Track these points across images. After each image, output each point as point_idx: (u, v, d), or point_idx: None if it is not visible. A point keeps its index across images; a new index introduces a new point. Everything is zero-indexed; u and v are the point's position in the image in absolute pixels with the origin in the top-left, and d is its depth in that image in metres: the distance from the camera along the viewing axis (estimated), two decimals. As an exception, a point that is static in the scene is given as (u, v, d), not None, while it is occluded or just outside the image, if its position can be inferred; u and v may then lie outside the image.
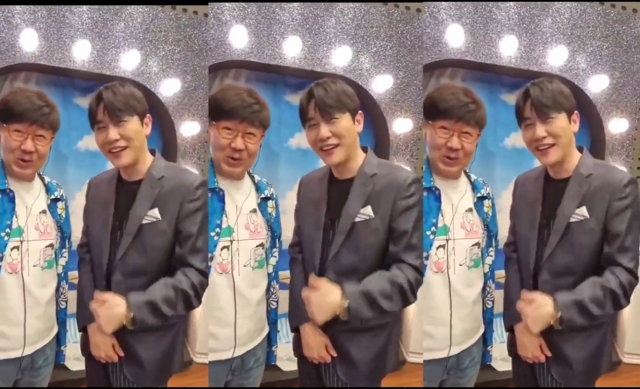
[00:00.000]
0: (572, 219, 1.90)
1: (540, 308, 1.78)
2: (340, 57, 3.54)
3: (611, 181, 1.90)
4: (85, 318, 1.99)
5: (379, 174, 1.93)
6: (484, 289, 2.16)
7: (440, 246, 2.06)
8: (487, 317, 2.18)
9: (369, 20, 3.53)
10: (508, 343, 2.12)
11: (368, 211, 1.90)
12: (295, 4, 3.40)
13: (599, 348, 1.98)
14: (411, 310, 3.41)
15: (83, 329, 2.02)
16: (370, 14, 3.54)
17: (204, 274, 1.95)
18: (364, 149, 2.00)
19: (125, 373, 1.95)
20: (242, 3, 3.43)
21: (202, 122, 3.68)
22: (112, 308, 1.82)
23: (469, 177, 2.16)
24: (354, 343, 1.94)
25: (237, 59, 3.45)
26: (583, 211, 1.89)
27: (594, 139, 3.70)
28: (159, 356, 1.98)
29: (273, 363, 2.33)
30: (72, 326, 2.24)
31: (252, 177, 2.19)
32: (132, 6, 3.49)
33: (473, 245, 2.09)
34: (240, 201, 2.12)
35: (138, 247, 1.94)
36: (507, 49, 3.45)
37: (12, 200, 2.04)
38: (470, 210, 2.11)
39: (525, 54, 3.48)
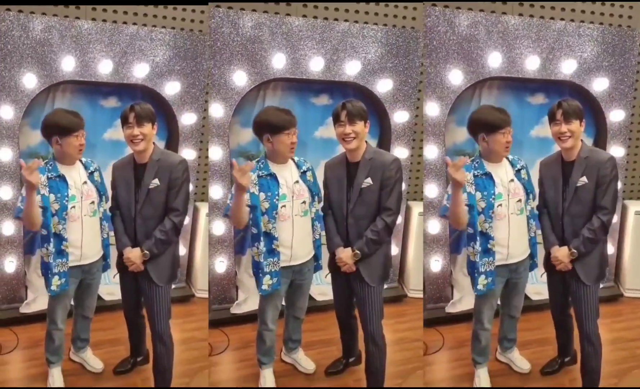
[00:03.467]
0: (578, 184, 3.97)
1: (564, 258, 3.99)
2: (352, 68, 5.61)
3: (599, 159, 3.97)
4: (121, 247, 4.11)
5: (374, 158, 3.97)
6: (527, 224, 4.12)
7: (499, 205, 3.98)
8: (532, 242, 4.17)
9: (374, 39, 5.63)
10: (544, 261, 4.22)
11: (369, 181, 3.95)
12: (317, 35, 5.45)
13: (600, 258, 4.09)
14: (411, 256, 5.99)
15: (120, 254, 4.12)
16: (373, 31, 5.61)
17: (181, 211, 4.06)
18: (366, 142, 4.03)
19: (151, 277, 4.04)
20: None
21: (197, 114, 5.81)
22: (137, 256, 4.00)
23: (507, 158, 4.08)
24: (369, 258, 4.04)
25: (278, 75, 5.46)
26: (584, 179, 3.96)
27: (598, 127, 5.85)
28: (166, 264, 4.10)
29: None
30: (107, 272, 4.44)
31: (293, 160, 4.09)
32: (142, 29, 5.59)
33: (517, 201, 4.04)
34: (287, 177, 4.02)
35: (148, 203, 3.98)
36: (531, 64, 5.52)
37: (65, 180, 3.99)
38: (512, 180, 4.04)
39: (545, 67, 5.56)
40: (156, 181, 3.99)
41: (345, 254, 4.05)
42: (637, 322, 5.57)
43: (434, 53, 5.32)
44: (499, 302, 4.36)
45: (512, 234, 4.07)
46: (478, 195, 3.98)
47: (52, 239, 3.96)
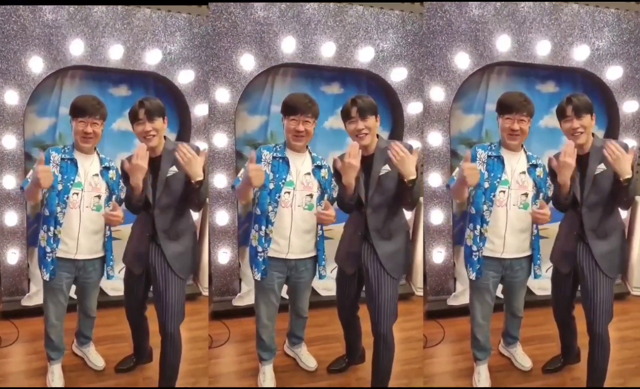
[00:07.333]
0: (597, 172, 3.93)
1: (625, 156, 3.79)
2: (365, 55, 5.56)
3: None
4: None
5: (388, 147, 3.89)
6: (532, 224, 4.08)
7: (501, 191, 4.00)
8: (535, 243, 4.13)
9: (389, 25, 5.56)
10: (552, 255, 4.21)
11: (387, 167, 3.93)
12: (330, 20, 5.41)
13: (622, 248, 4.08)
14: (419, 253, 5.86)
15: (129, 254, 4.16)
16: (387, 16, 5.55)
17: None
18: (377, 136, 4.02)
19: (173, 268, 4.01)
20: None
21: (210, 105, 5.62)
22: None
23: (525, 151, 4.10)
24: (386, 244, 4.02)
25: (287, 61, 5.42)
26: (602, 166, 3.92)
27: (610, 118, 5.76)
28: (182, 253, 4.07)
29: (320, 280, 4.41)
30: (113, 267, 4.32)
31: (310, 152, 4.17)
32: (155, 13, 5.48)
33: (522, 194, 4.03)
34: (299, 166, 4.05)
35: (167, 192, 3.95)
36: (542, 50, 5.45)
37: (76, 165, 4.02)
38: (523, 172, 4.04)
39: (556, 53, 5.48)
40: (174, 169, 3.98)
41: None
42: (644, 321, 5.53)
43: (440, 35, 5.29)
44: (500, 296, 4.36)
45: (509, 227, 4.06)
46: (486, 175, 4.04)
47: (52, 222, 4.01)
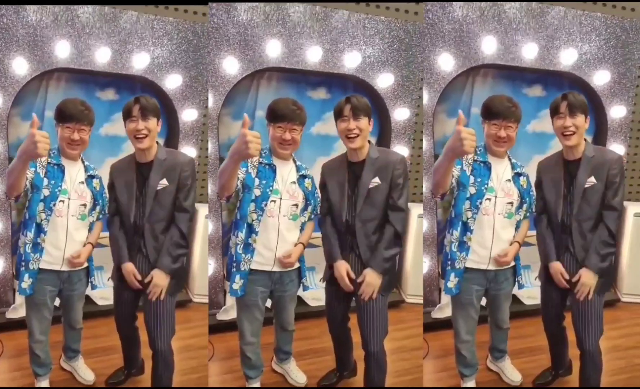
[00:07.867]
0: (586, 186, 3.84)
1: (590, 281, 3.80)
2: (351, 61, 5.50)
3: (607, 158, 3.87)
4: (119, 259, 3.92)
5: (380, 157, 3.84)
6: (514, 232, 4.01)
7: (487, 199, 3.90)
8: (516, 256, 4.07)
9: (375, 30, 5.49)
10: (540, 271, 4.11)
11: (376, 180, 3.80)
12: (316, 24, 5.33)
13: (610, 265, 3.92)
14: (409, 260, 5.85)
15: (118, 267, 3.95)
16: (374, 22, 5.48)
17: (191, 213, 3.91)
18: (368, 142, 3.88)
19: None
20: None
21: (199, 110, 5.66)
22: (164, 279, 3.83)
23: (510, 159, 4.01)
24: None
25: (272, 65, 5.33)
26: (592, 179, 3.83)
27: (598, 123, 5.74)
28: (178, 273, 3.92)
29: (305, 292, 4.34)
30: (101, 276, 4.26)
31: (294, 161, 4.04)
32: (143, 17, 5.40)
33: (507, 203, 3.93)
34: (285, 174, 3.91)
35: (157, 205, 3.81)
36: (528, 53, 5.39)
37: (63, 171, 3.87)
38: (508, 180, 3.95)
39: (543, 56, 5.42)
40: (164, 182, 3.84)
41: (346, 268, 3.92)
42: (635, 329, 5.45)
43: (423, 36, 5.23)
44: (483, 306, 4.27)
45: (495, 237, 3.96)
46: (472, 179, 3.91)
47: (33, 227, 3.85)
